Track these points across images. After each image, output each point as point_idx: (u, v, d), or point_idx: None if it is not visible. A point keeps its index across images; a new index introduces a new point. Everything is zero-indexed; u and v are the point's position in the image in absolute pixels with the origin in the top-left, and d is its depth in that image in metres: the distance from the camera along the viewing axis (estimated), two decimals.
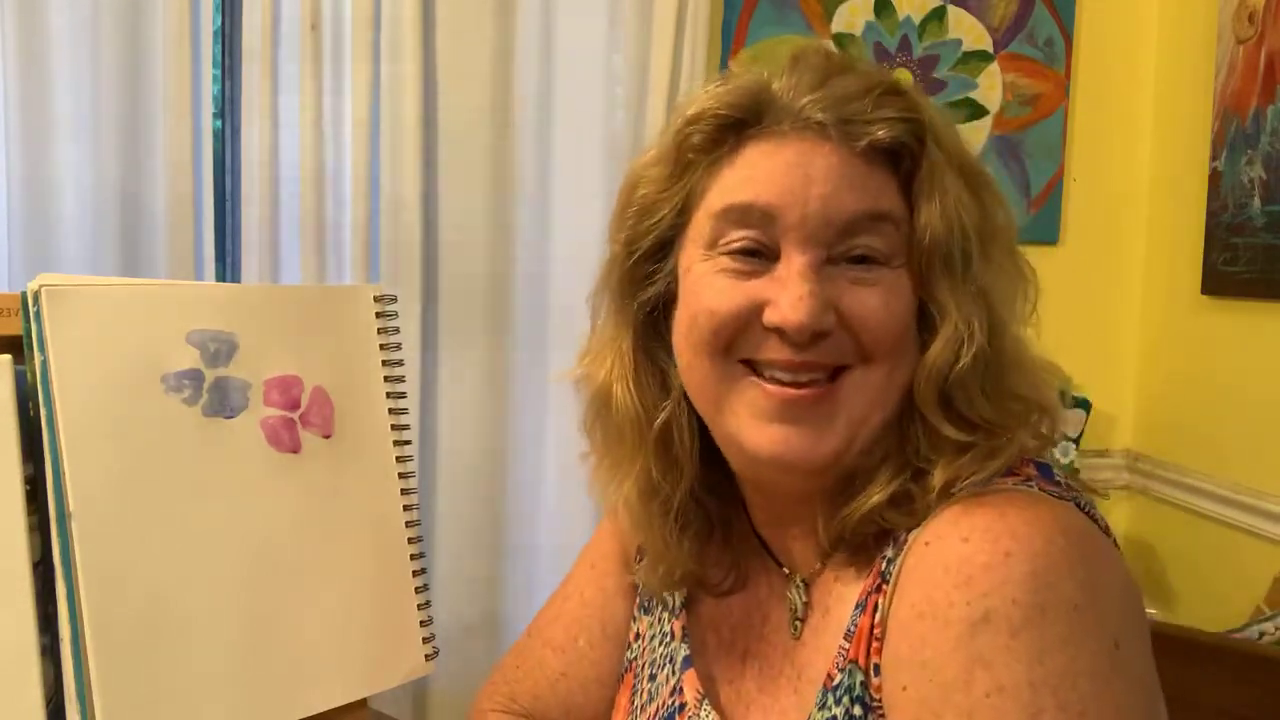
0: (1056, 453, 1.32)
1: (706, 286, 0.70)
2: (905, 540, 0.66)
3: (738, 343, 0.69)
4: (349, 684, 0.93)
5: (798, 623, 0.74)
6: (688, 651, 0.79)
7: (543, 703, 0.91)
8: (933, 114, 0.70)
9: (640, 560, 0.84)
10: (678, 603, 0.82)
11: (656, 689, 0.81)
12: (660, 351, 0.76)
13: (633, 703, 0.83)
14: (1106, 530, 0.68)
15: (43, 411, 0.79)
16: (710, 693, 0.77)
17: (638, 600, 0.88)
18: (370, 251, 1.76)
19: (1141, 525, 1.87)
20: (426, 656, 0.98)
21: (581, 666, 0.90)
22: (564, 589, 0.94)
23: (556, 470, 1.85)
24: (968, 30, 1.93)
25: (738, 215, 0.69)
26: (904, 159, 0.69)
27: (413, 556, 0.98)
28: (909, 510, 0.67)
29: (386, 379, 0.99)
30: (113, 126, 1.70)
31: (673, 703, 0.78)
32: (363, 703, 0.94)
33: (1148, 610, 0.72)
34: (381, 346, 0.99)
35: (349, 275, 1.74)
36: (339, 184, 1.75)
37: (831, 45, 1.90)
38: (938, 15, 1.92)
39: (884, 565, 0.67)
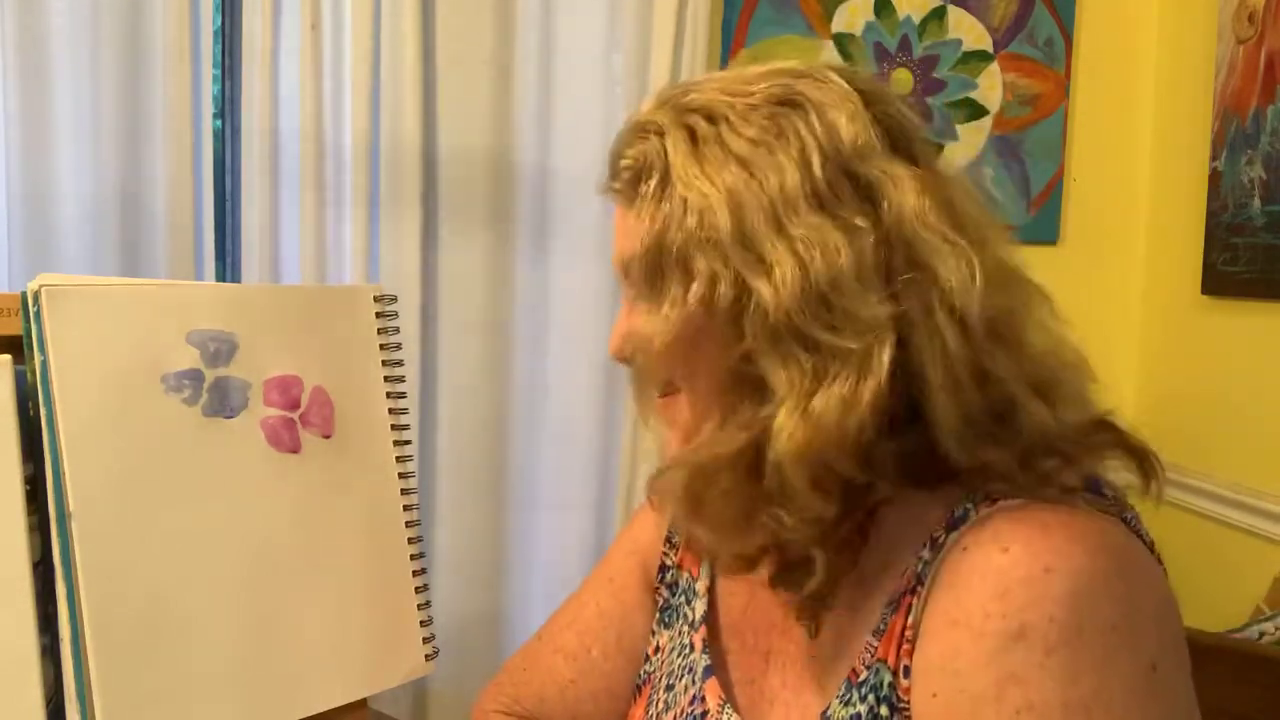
0: None
1: None
2: (944, 542, 0.65)
3: None
4: (349, 684, 0.93)
5: (811, 625, 0.73)
6: (709, 662, 0.79)
7: (548, 707, 0.91)
8: (672, 133, 0.68)
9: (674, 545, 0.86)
10: (697, 616, 0.83)
11: (674, 698, 0.81)
12: None
13: (648, 713, 0.83)
14: (1151, 547, 0.67)
15: (43, 411, 0.79)
16: (731, 698, 0.77)
17: (658, 616, 0.88)
18: (370, 251, 1.76)
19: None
20: (426, 656, 0.98)
21: (592, 677, 0.90)
22: (579, 597, 0.94)
23: (557, 470, 1.85)
24: (968, 30, 1.93)
25: None
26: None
27: (413, 556, 0.98)
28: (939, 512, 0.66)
29: (386, 379, 0.99)
30: (113, 127, 1.70)
31: (693, 710, 0.78)
32: (363, 703, 0.94)
33: None
34: (381, 346, 0.99)
35: (349, 274, 1.74)
36: (339, 183, 1.75)
37: (832, 46, 1.90)
38: (938, 15, 1.92)
39: (920, 567, 0.66)
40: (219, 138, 1.60)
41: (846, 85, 0.69)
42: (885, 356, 0.63)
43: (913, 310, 0.64)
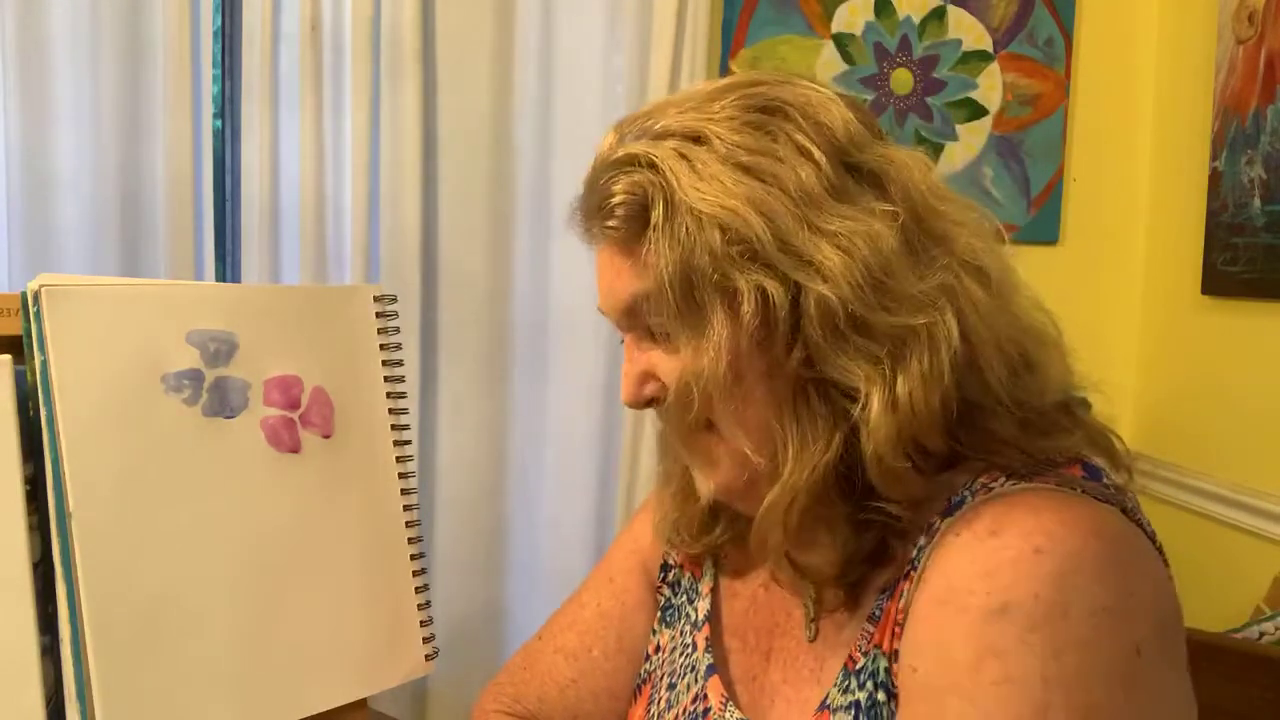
0: None
1: None
2: (938, 528, 0.65)
3: None
4: (349, 684, 0.93)
5: (812, 625, 0.74)
6: (711, 660, 0.79)
7: (548, 707, 0.91)
8: (666, 160, 0.67)
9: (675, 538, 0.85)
10: (700, 616, 0.83)
11: (676, 697, 0.81)
12: None
13: (649, 711, 0.83)
14: (1152, 537, 0.67)
15: (43, 411, 0.79)
16: (734, 696, 0.77)
17: (659, 615, 0.88)
18: (370, 251, 1.76)
19: None
20: (426, 656, 0.98)
21: (594, 676, 0.90)
22: (579, 597, 0.94)
23: (557, 470, 1.85)
24: (968, 30, 1.93)
25: None
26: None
27: (413, 556, 0.98)
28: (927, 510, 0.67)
29: (386, 379, 0.99)
30: (113, 127, 1.70)
31: (695, 708, 0.78)
32: (362, 703, 0.94)
33: None
34: (381, 346, 0.99)
35: (349, 274, 1.74)
36: (339, 184, 1.75)
37: (832, 46, 1.90)
38: (938, 15, 1.92)
39: (914, 553, 0.66)
40: (219, 138, 1.60)
41: (811, 83, 0.70)
42: (952, 324, 0.65)
43: (948, 279, 0.66)
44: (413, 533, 0.99)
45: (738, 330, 0.65)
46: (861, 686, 0.67)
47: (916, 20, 1.92)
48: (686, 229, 0.65)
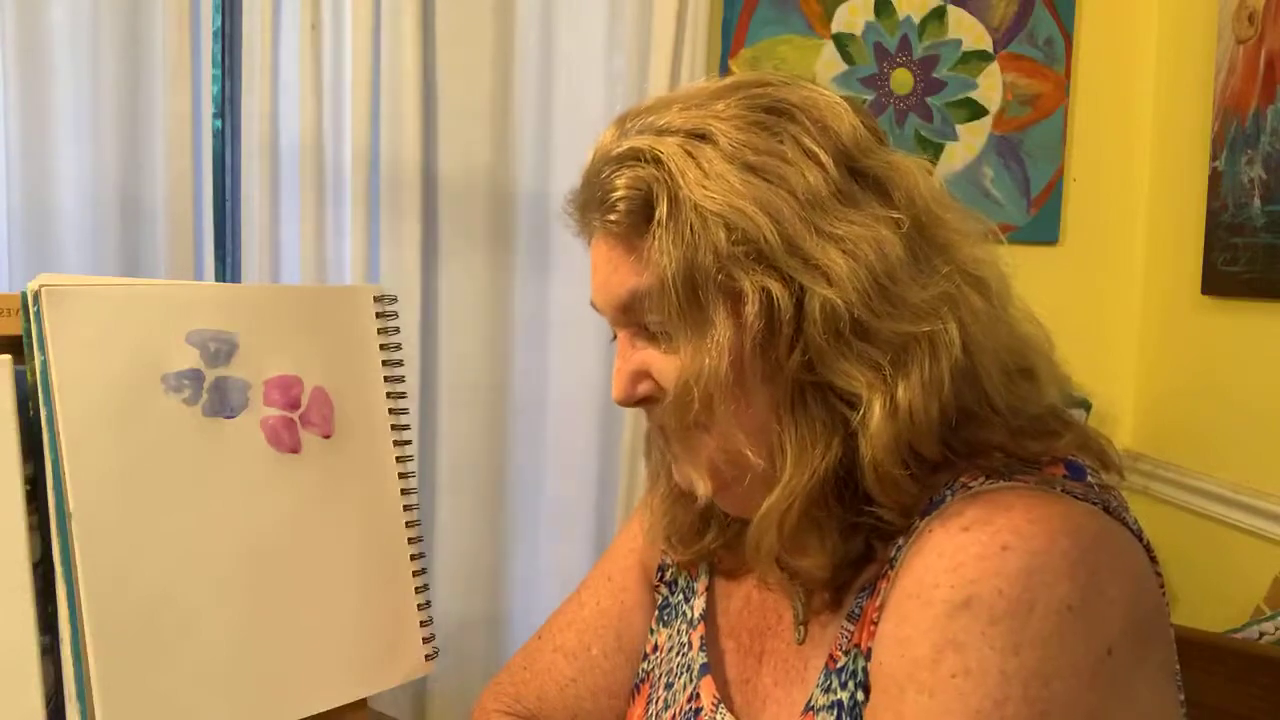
0: None
1: None
2: (917, 526, 0.66)
3: None
4: (349, 684, 0.93)
5: (801, 628, 0.74)
6: (705, 659, 0.80)
7: (548, 706, 0.91)
8: (671, 156, 0.66)
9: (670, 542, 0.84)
10: (696, 615, 0.83)
11: (674, 696, 0.81)
12: None
13: (648, 711, 0.84)
14: (1139, 535, 0.67)
15: (43, 411, 0.79)
16: (726, 697, 0.77)
17: (656, 614, 0.88)
18: (370, 251, 1.76)
19: (1141, 525, 1.86)
20: (426, 656, 0.98)
21: (593, 675, 0.90)
22: (578, 596, 0.94)
23: (557, 469, 1.85)
24: (968, 30, 1.93)
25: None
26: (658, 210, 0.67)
27: (413, 557, 0.98)
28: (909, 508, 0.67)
29: (386, 379, 0.99)
30: (113, 126, 1.70)
31: (690, 708, 0.78)
32: (362, 703, 0.94)
33: None
34: (381, 346, 0.99)
35: (349, 275, 1.74)
36: (339, 183, 1.75)
37: (833, 46, 1.90)
38: (938, 15, 1.92)
39: (894, 552, 0.67)
40: (219, 138, 1.60)
41: (816, 86, 0.70)
42: (954, 333, 0.65)
43: (950, 288, 0.66)
44: (413, 533, 0.99)
45: (740, 331, 0.65)
46: (843, 686, 0.67)
47: (916, 20, 1.92)
48: (691, 226, 0.65)
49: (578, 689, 0.90)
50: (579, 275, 1.85)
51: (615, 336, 0.74)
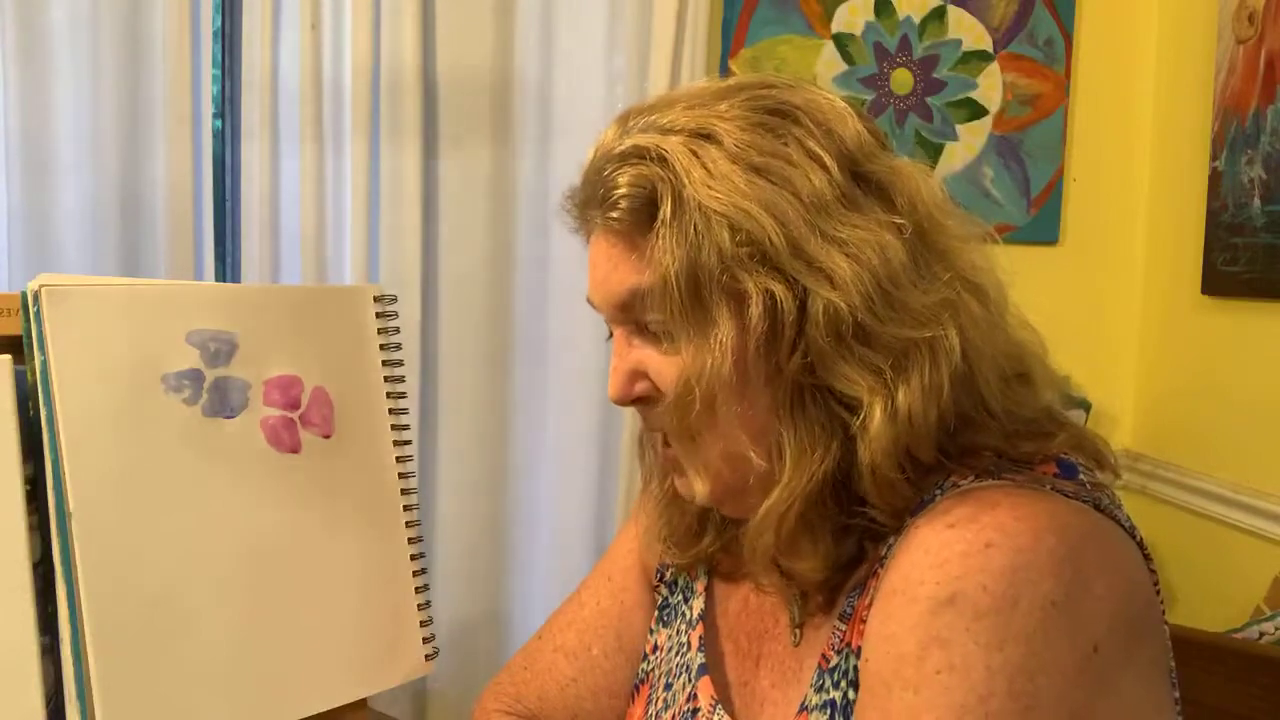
0: None
1: None
2: (907, 525, 0.66)
3: None
4: (349, 684, 0.93)
5: (797, 630, 0.74)
6: (703, 660, 0.80)
7: (549, 705, 0.91)
8: (676, 155, 0.66)
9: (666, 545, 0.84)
10: (694, 615, 0.83)
11: (673, 696, 0.81)
12: None
13: (647, 711, 0.84)
14: (1132, 533, 0.67)
15: (43, 411, 0.79)
16: (724, 699, 0.77)
17: (656, 614, 0.88)
18: (370, 251, 1.76)
19: (1141, 525, 1.85)
20: (426, 656, 0.98)
21: (593, 675, 0.90)
22: (578, 596, 0.94)
23: (557, 470, 1.85)
24: (968, 30, 1.93)
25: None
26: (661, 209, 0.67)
27: (413, 556, 0.98)
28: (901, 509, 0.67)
29: (386, 379, 0.99)
30: (113, 127, 1.70)
31: (688, 708, 0.78)
32: (362, 703, 0.94)
33: None
34: (381, 346, 0.99)
35: (349, 274, 1.74)
36: (339, 184, 1.75)
37: (833, 46, 1.90)
38: (938, 15, 1.92)
39: (884, 551, 0.67)
40: (219, 138, 1.60)
41: (819, 89, 0.70)
42: (954, 339, 0.65)
43: (950, 294, 0.66)
44: (413, 533, 0.99)
45: (743, 333, 0.65)
46: (836, 685, 0.67)
47: (916, 20, 1.92)
48: (695, 226, 0.65)
49: (578, 689, 0.90)
50: (579, 275, 1.85)
51: (611, 334, 0.74)
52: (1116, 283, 2.00)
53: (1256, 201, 1.61)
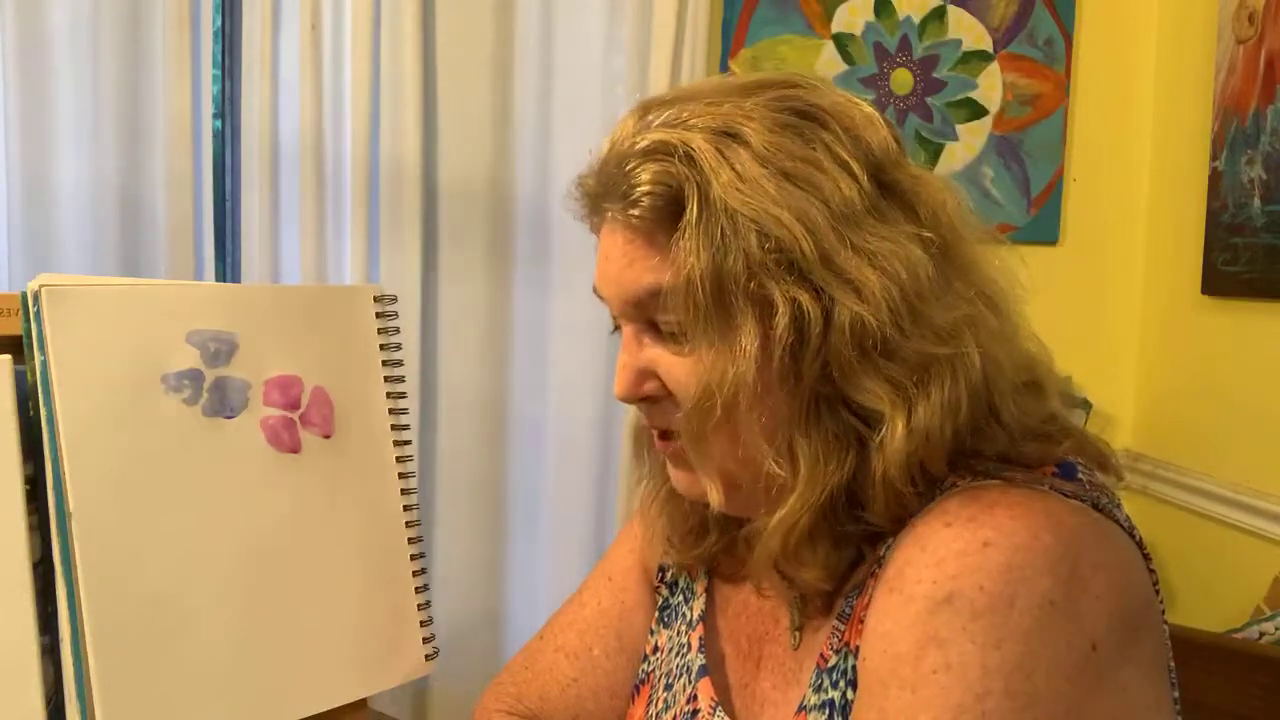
0: None
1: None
2: (904, 525, 0.66)
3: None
4: (349, 684, 0.93)
5: (796, 633, 0.74)
6: (703, 661, 0.80)
7: (550, 705, 0.91)
8: (704, 154, 0.65)
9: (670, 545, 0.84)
10: (695, 616, 0.83)
11: (673, 697, 0.81)
12: None
13: (648, 711, 0.84)
14: (1132, 533, 0.67)
15: (43, 411, 0.79)
16: (724, 700, 0.77)
17: (657, 615, 0.88)
18: (370, 250, 1.76)
19: (1141, 525, 1.85)
20: (426, 656, 0.98)
21: (594, 675, 0.90)
22: (579, 597, 0.94)
23: (557, 469, 1.85)
24: (968, 30, 1.93)
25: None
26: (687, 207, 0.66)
27: (413, 556, 0.98)
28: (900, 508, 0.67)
29: (386, 379, 0.99)
30: (113, 126, 1.70)
31: (688, 709, 0.78)
32: (362, 703, 0.94)
33: None
34: (381, 346, 0.99)
35: (349, 275, 1.74)
36: (339, 184, 1.75)
37: (832, 46, 1.90)
38: (938, 15, 1.92)
39: (883, 551, 0.67)
40: (219, 138, 1.60)
41: (844, 92, 0.69)
42: (974, 357, 0.64)
43: (971, 310, 0.66)
44: (413, 533, 0.99)
45: (768, 341, 0.64)
46: (835, 685, 0.67)
47: (916, 20, 1.92)
48: (723, 230, 0.63)
49: (579, 689, 0.90)
50: (578, 278, 1.86)
51: (616, 328, 0.73)
52: (1116, 283, 2.00)
53: (1256, 201, 1.61)
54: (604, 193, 0.69)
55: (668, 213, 0.65)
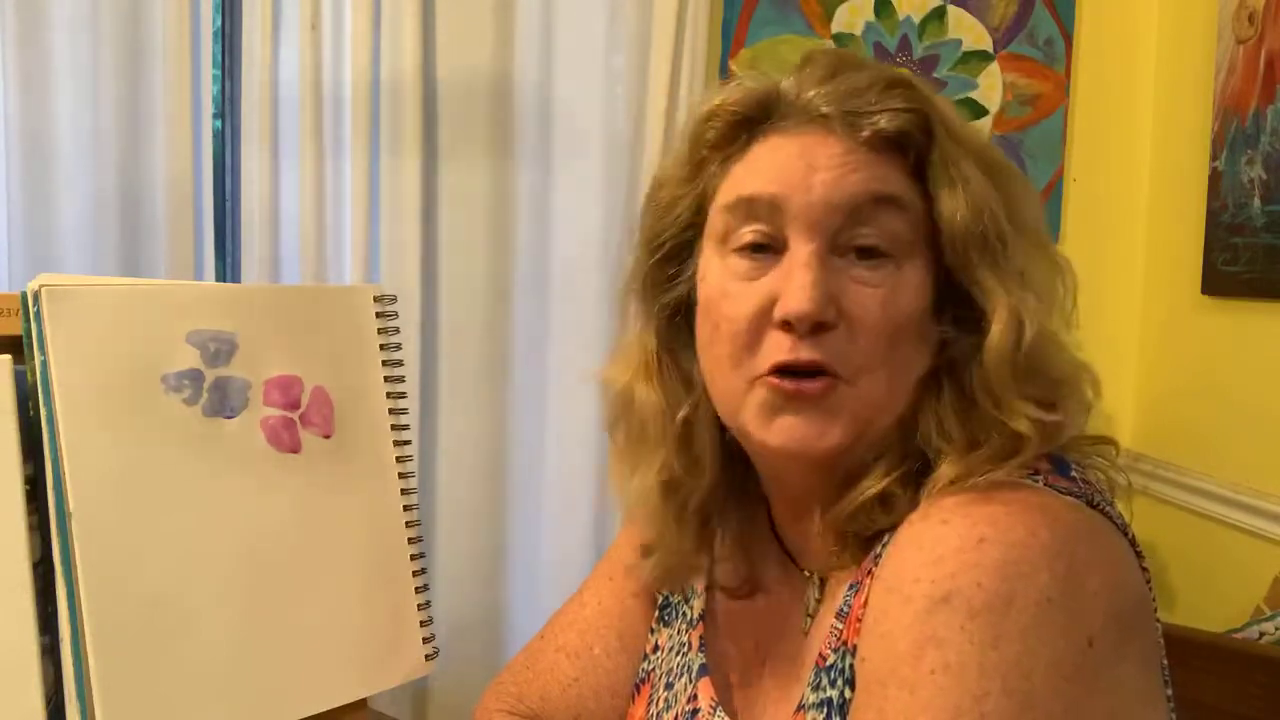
0: None
1: (722, 294, 0.71)
2: (904, 522, 0.66)
3: (755, 347, 0.69)
4: (348, 684, 0.93)
5: (809, 618, 0.74)
6: (703, 660, 0.80)
7: (551, 705, 0.91)
8: (943, 107, 0.71)
9: (646, 557, 0.84)
10: (695, 614, 0.83)
11: (674, 697, 0.81)
12: (684, 351, 0.77)
13: (649, 711, 0.84)
14: (1125, 531, 0.67)
15: (43, 411, 0.79)
16: (725, 700, 0.77)
17: (657, 613, 0.88)
18: (370, 251, 1.76)
19: (1141, 525, 1.85)
20: (426, 656, 0.98)
21: (595, 675, 0.90)
22: (580, 596, 0.94)
23: (557, 469, 1.85)
24: (968, 30, 1.93)
25: (745, 208, 0.70)
26: (912, 151, 0.69)
27: (413, 556, 0.98)
28: (910, 500, 0.67)
29: (386, 379, 0.99)
30: (113, 127, 1.70)
31: (689, 709, 0.78)
32: (362, 703, 0.94)
33: None
34: (381, 346, 0.99)
35: (349, 274, 1.74)
36: (339, 184, 1.75)
37: (832, 45, 1.90)
38: (938, 15, 1.92)
39: (879, 548, 0.67)
40: (219, 138, 1.60)
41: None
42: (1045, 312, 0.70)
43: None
44: (413, 533, 0.99)
45: (925, 283, 0.70)
46: (833, 684, 0.67)
47: (916, 20, 1.92)
48: (952, 178, 0.69)
49: (580, 689, 0.90)
50: (579, 275, 1.85)
51: (758, 247, 0.70)
52: (1116, 283, 1.99)
53: (1256, 201, 1.61)
54: (833, 102, 0.70)
55: (895, 142, 0.69)
